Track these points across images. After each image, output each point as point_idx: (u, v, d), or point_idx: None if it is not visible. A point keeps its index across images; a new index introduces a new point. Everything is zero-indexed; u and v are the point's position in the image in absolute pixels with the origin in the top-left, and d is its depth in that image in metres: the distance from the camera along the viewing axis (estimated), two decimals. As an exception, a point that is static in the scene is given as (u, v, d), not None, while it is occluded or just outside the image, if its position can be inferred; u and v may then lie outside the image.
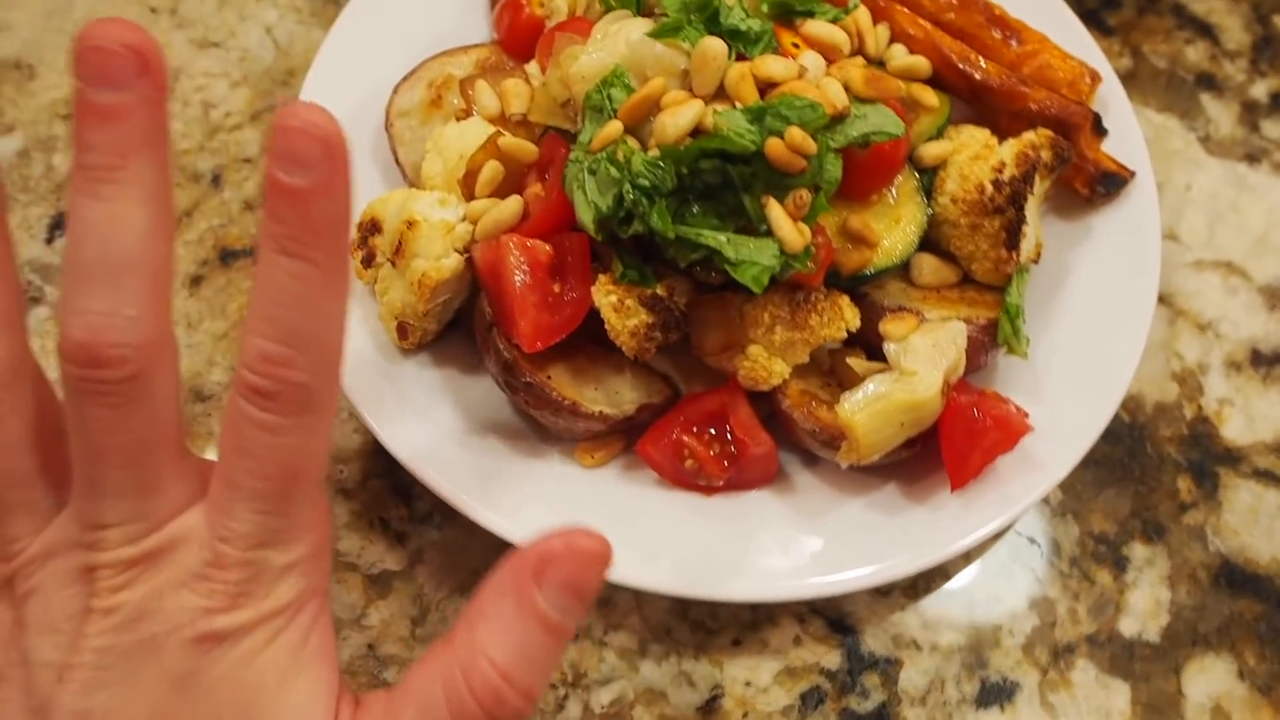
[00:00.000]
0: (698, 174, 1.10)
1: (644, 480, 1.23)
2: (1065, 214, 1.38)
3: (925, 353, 1.18)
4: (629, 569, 1.16)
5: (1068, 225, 1.38)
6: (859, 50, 1.33)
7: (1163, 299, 1.46)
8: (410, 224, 1.21)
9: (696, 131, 1.12)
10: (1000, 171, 1.23)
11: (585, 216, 1.14)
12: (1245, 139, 1.57)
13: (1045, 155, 1.28)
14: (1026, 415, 1.25)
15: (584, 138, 1.18)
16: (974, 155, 1.25)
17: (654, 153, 1.12)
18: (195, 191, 1.45)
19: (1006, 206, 1.22)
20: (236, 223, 1.44)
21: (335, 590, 1.25)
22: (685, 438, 1.21)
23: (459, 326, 1.29)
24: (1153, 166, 1.51)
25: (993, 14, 1.38)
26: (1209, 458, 1.39)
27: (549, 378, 1.19)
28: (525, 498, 1.20)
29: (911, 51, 1.36)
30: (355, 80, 1.39)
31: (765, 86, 1.14)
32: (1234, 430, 1.40)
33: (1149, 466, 1.38)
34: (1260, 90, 1.60)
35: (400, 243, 1.21)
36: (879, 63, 1.35)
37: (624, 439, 1.25)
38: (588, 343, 1.21)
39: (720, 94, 1.15)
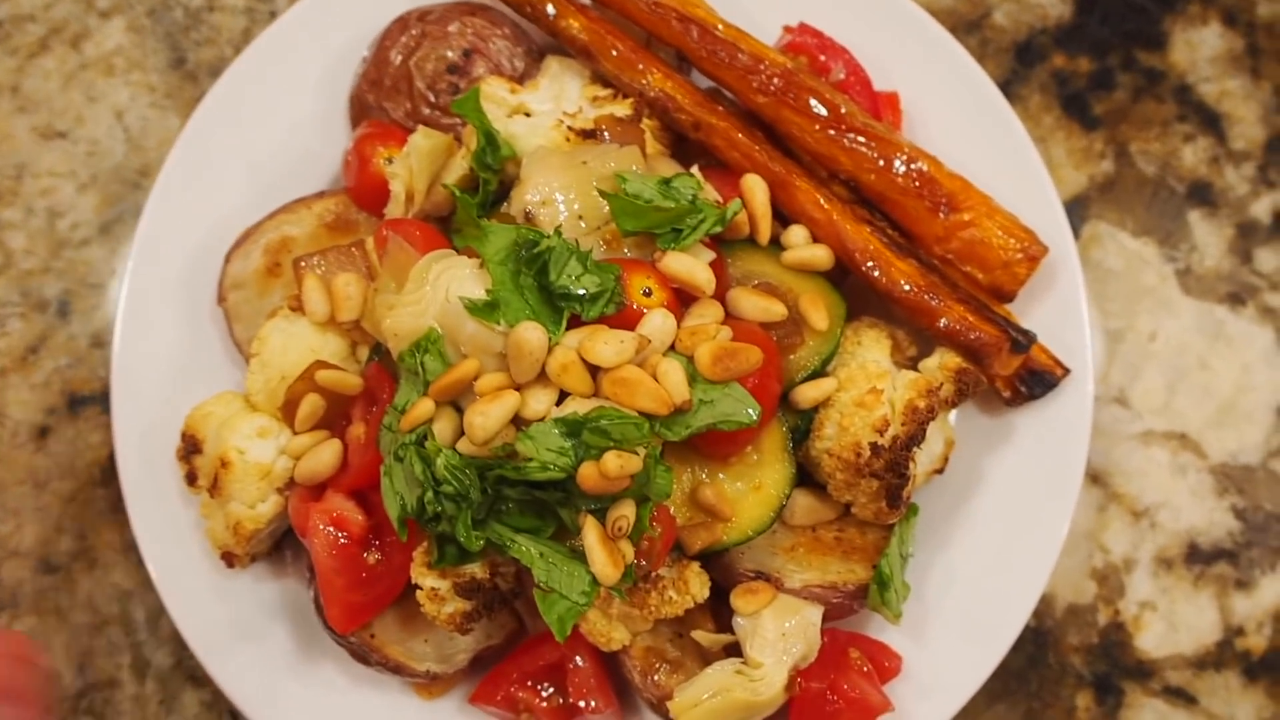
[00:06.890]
0: (505, 489, 0.98)
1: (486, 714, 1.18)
2: (987, 405, 1.22)
3: (774, 641, 1.08)
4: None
5: (988, 421, 1.21)
6: (751, 236, 1.15)
7: (1098, 479, 1.30)
8: (225, 464, 1.11)
9: (516, 418, 0.99)
10: (883, 431, 1.07)
11: (391, 509, 1.03)
12: (1232, 273, 1.33)
13: (947, 390, 1.11)
14: (897, 670, 1.16)
15: (399, 400, 1.04)
16: (857, 400, 1.08)
17: (464, 445, 0.99)
18: (40, 324, 1.33)
19: (885, 474, 1.07)
20: (85, 363, 1.33)
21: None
22: (520, 693, 1.14)
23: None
24: (1117, 309, 1.32)
25: (916, 174, 1.16)
26: (1117, 670, 1.27)
27: (372, 636, 1.12)
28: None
29: (814, 238, 1.16)
30: (196, 218, 1.24)
31: (595, 368, 0.99)
32: (1151, 640, 1.28)
33: (1048, 679, 1.28)
34: (1263, 207, 1.34)
35: (216, 478, 1.12)
36: (774, 241, 1.16)
37: (466, 669, 1.19)
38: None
39: (542, 377, 1.00)
